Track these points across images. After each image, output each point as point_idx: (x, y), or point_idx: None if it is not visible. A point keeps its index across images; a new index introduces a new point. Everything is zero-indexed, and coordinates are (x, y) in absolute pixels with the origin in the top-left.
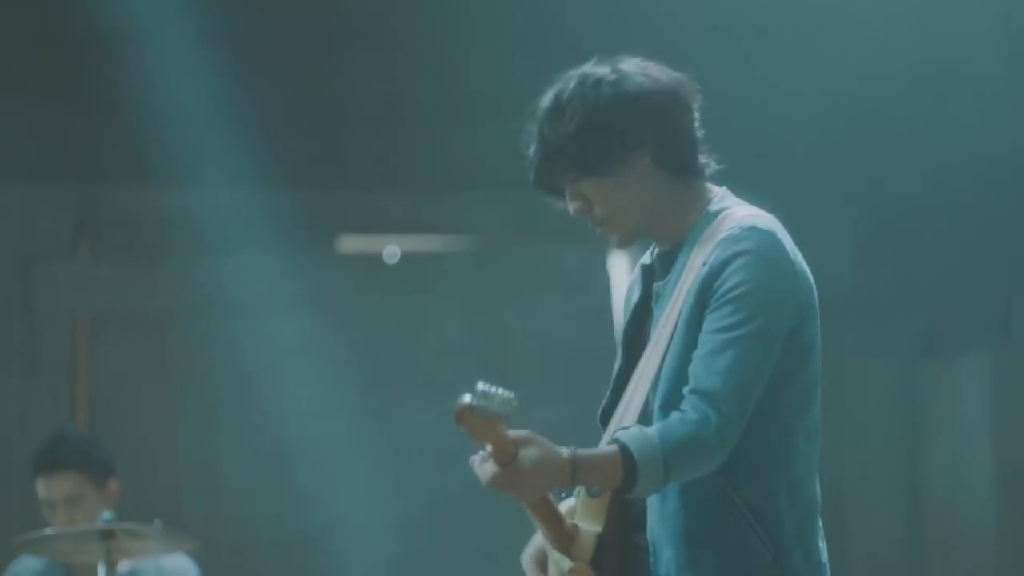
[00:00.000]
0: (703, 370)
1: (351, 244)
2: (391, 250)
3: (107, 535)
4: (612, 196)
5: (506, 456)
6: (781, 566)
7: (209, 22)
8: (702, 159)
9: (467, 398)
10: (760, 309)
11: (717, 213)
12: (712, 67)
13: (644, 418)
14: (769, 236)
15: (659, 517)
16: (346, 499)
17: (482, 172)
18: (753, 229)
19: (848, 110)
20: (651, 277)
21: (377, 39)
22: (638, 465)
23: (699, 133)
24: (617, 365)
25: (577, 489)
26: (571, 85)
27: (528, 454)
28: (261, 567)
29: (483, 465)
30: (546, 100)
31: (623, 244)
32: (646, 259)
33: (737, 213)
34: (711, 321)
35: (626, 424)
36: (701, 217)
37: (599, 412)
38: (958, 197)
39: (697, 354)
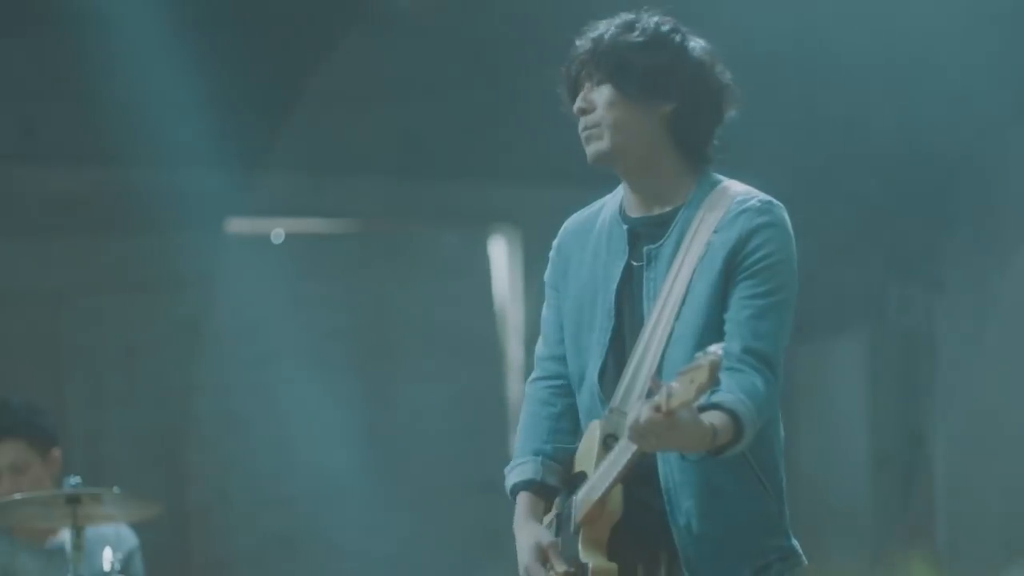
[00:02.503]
0: (750, 333)
1: (238, 226)
2: (277, 232)
3: (74, 500)
4: (617, 111)
5: (672, 406)
6: (784, 518)
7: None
8: (711, 148)
9: (718, 349)
10: (789, 280)
11: (715, 184)
12: None
13: (662, 374)
14: (784, 212)
15: (678, 469)
16: (231, 476)
17: (366, 157)
18: (772, 203)
19: None
20: (635, 240)
21: (263, 23)
22: (745, 430)
23: (718, 128)
24: (610, 326)
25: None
26: (652, 19)
27: (686, 413)
28: (147, 543)
29: (643, 407)
30: (623, 17)
31: (599, 157)
32: (618, 223)
33: (736, 186)
34: (746, 287)
35: (642, 379)
36: (698, 185)
37: (596, 373)
38: (833, 184)
39: (737, 316)
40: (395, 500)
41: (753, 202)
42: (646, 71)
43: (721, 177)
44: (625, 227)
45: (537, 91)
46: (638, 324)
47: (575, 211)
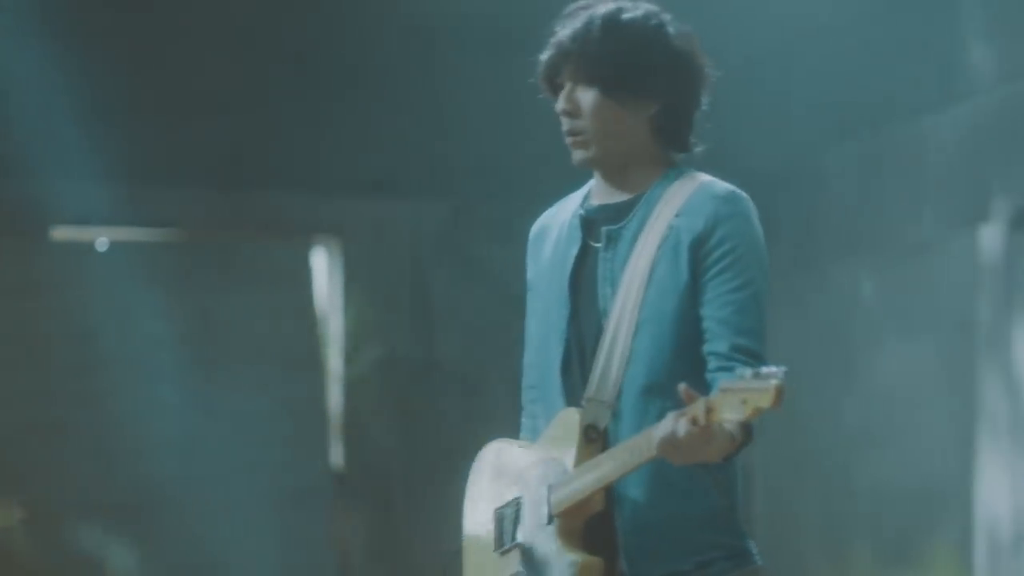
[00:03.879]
0: (735, 330)
1: (63, 234)
2: (101, 241)
3: None
4: (605, 118)
5: (711, 420)
6: (734, 516)
7: None
8: (691, 141)
9: (780, 372)
10: (761, 270)
11: (681, 173)
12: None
13: (635, 362)
14: (750, 203)
15: None
16: (55, 483)
17: (190, 167)
18: (738, 193)
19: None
20: (589, 225)
21: (85, 34)
22: (753, 431)
23: (698, 119)
24: (566, 313)
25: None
26: (638, 12)
27: (719, 427)
28: None
29: (679, 420)
30: (603, 9)
31: (585, 163)
32: (576, 214)
33: (701, 175)
34: (721, 282)
35: (616, 367)
36: (664, 175)
37: (559, 361)
38: None
39: (718, 314)
40: (216, 508)
41: (718, 190)
42: (635, 76)
43: (688, 168)
44: (581, 212)
45: (359, 103)
46: (593, 307)
47: (395, 222)
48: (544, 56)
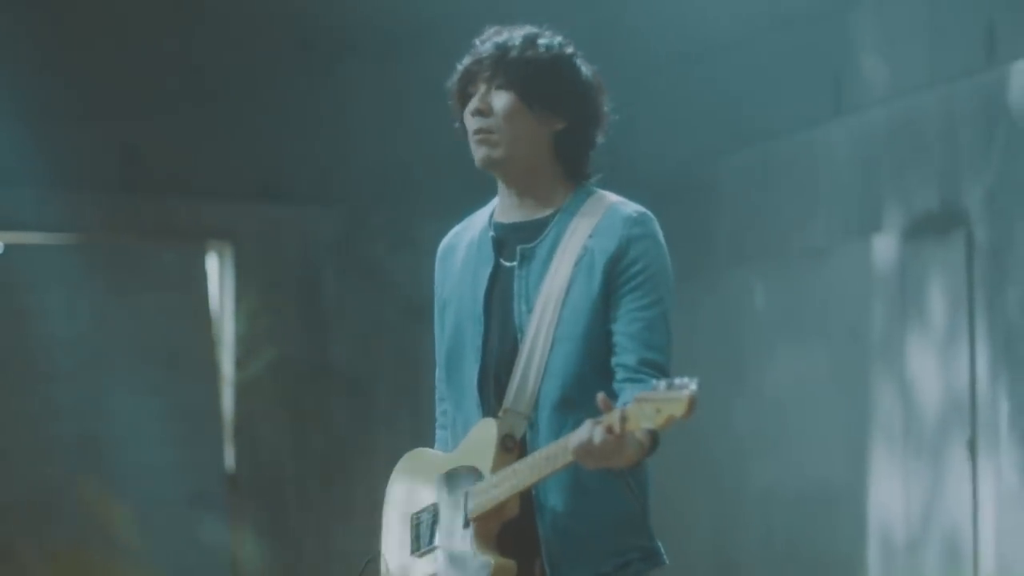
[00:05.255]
0: (643, 345)
1: None
2: None
3: None
4: (516, 122)
5: (626, 428)
6: (647, 519)
7: None
8: (588, 168)
9: (692, 384)
10: (668, 289)
11: (590, 193)
12: None
13: (550, 376)
14: (657, 223)
15: None
16: None
17: (85, 171)
18: (647, 215)
19: None
20: (501, 245)
21: None
22: (659, 439)
23: (593, 149)
24: (480, 330)
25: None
26: (555, 38)
27: (632, 434)
28: None
29: (595, 428)
30: (524, 30)
31: (488, 162)
32: (486, 233)
33: (610, 196)
34: (631, 300)
35: (532, 380)
36: (574, 194)
37: (475, 377)
38: None
39: (628, 330)
40: (109, 510)
41: (630, 212)
42: (548, 87)
43: (595, 188)
44: (491, 233)
45: (252, 110)
46: (508, 324)
47: (286, 227)
48: (460, 66)
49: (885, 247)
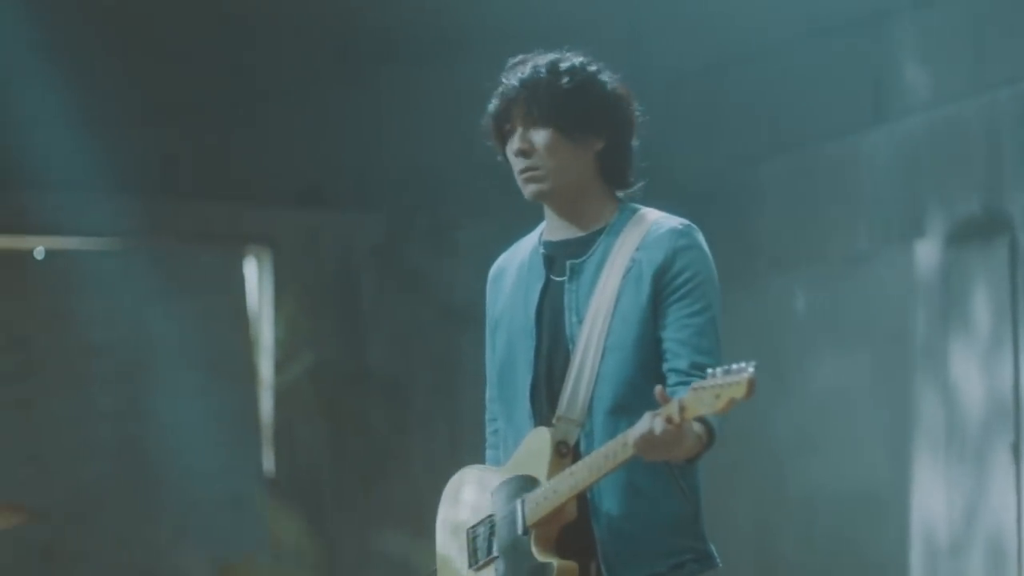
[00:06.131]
0: (694, 349)
1: (0, 242)
2: (39, 249)
3: None
4: (559, 154)
5: (685, 417)
6: (699, 521)
7: None
8: (631, 178)
9: (753, 369)
10: (715, 296)
11: (635, 210)
12: None
13: (601, 384)
14: (701, 234)
15: None
16: None
17: (126, 176)
18: (691, 226)
19: None
20: (551, 262)
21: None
22: (715, 436)
23: (634, 158)
24: (532, 344)
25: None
26: (576, 60)
27: (689, 425)
28: None
29: (655, 419)
30: (546, 59)
31: (539, 196)
32: (536, 252)
33: (653, 212)
34: (680, 308)
35: (584, 388)
36: (619, 212)
37: (527, 388)
38: None
39: (678, 336)
40: (150, 513)
41: (674, 224)
42: (583, 113)
43: (638, 205)
44: (542, 251)
45: (292, 115)
46: (559, 335)
47: (326, 232)
48: (492, 106)
49: (928, 253)
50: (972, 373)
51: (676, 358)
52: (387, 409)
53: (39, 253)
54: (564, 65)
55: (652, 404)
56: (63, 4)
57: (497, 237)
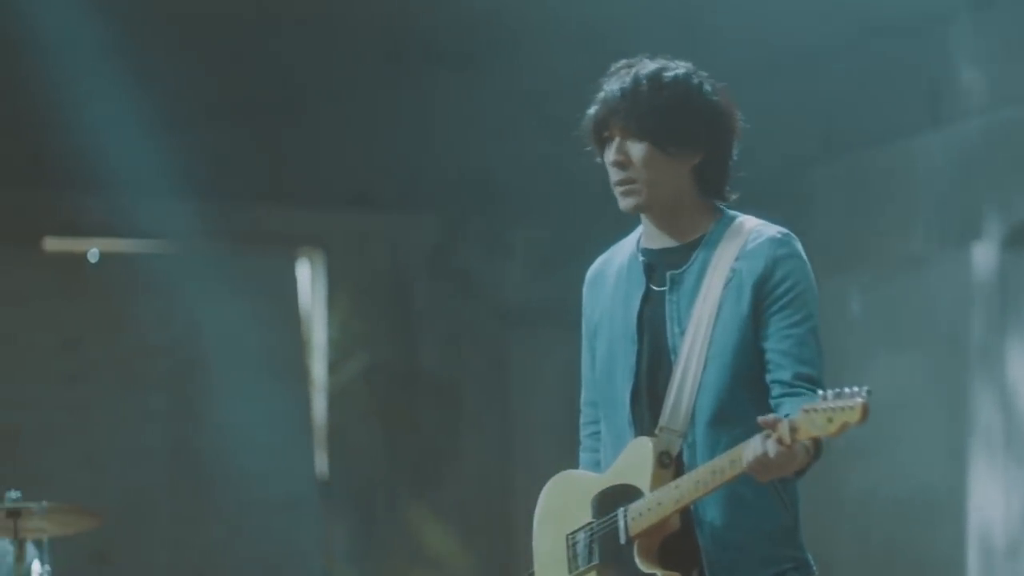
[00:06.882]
0: (797, 360)
1: (55, 244)
2: (93, 251)
3: (15, 514)
4: (655, 168)
5: (796, 438)
6: (798, 531)
7: None
8: (727, 189)
9: (864, 392)
10: (815, 306)
11: (733, 219)
12: None
13: (703, 394)
14: (799, 243)
15: None
16: (46, 488)
17: (178, 179)
18: (790, 235)
19: None
20: (651, 270)
21: (72, 49)
22: (822, 447)
23: (732, 169)
24: (634, 350)
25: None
26: (679, 71)
27: (801, 444)
28: None
29: (767, 441)
30: (648, 68)
31: (635, 209)
32: (635, 259)
33: (751, 220)
34: (782, 318)
35: (687, 398)
36: (717, 221)
37: (628, 396)
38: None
39: (780, 347)
40: (203, 515)
41: (773, 233)
42: (681, 129)
43: (736, 212)
44: (642, 259)
45: (344, 118)
46: (661, 345)
47: (378, 235)
48: (592, 111)
49: (984, 255)
50: None
51: (779, 369)
52: (439, 411)
53: (93, 256)
54: (666, 77)
55: (748, 413)
56: (117, 6)
57: (549, 239)
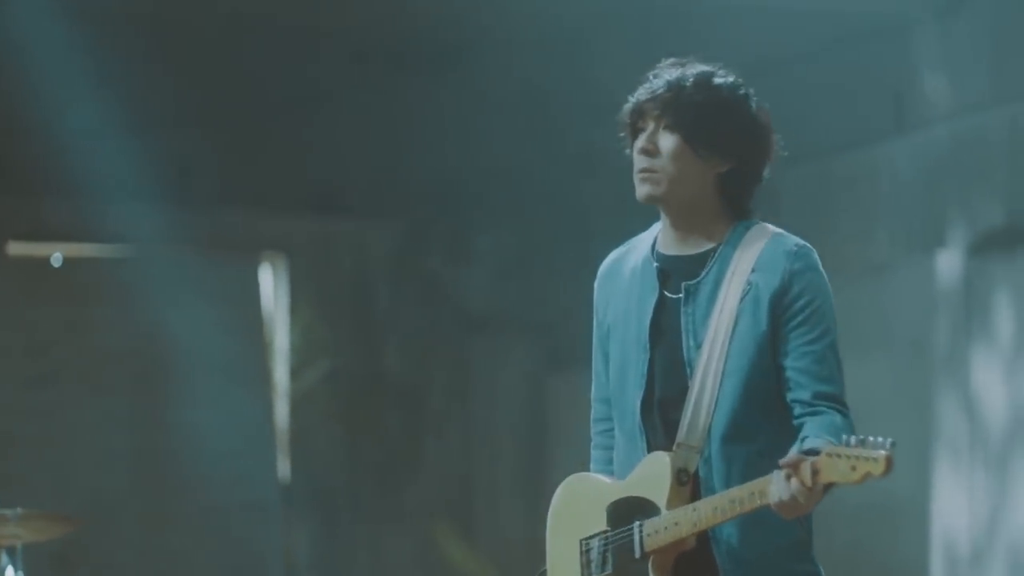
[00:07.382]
0: (816, 378)
1: (19, 249)
2: (56, 255)
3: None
4: (681, 163)
5: (818, 480)
6: (810, 544)
7: None
8: (750, 205)
9: (891, 446)
10: (832, 321)
11: (750, 225)
12: None
13: (720, 410)
14: (816, 255)
15: None
16: (11, 494)
17: (142, 184)
18: (807, 247)
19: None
20: (665, 277)
21: (36, 54)
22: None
23: (758, 188)
24: (646, 358)
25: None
26: (729, 78)
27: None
28: None
29: (789, 482)
30: (698, 68)
31: (650, 199)
32: (649, 263)
33: (767, 229)
34: (799, 335)
35: (704, 414)
36: (732, 230)
37: (638, 403)
38: (577, 217)
39: (799, 364)
40: (167, 519)
41: (790, 246)
42: (717, 131)
43: (751, 220)
44: (655, 264)
45: (307, 123)
46: (676, 357)
47: (339, 240)
48: (632, 99)
49: (949, 262)
50: (994, 382)
51: (799, 388)
52: (402, 416)
53: (56, 260)
54: (715, 81)
55: (763, 428)
56: (83, 11)
57: (513, 245)
